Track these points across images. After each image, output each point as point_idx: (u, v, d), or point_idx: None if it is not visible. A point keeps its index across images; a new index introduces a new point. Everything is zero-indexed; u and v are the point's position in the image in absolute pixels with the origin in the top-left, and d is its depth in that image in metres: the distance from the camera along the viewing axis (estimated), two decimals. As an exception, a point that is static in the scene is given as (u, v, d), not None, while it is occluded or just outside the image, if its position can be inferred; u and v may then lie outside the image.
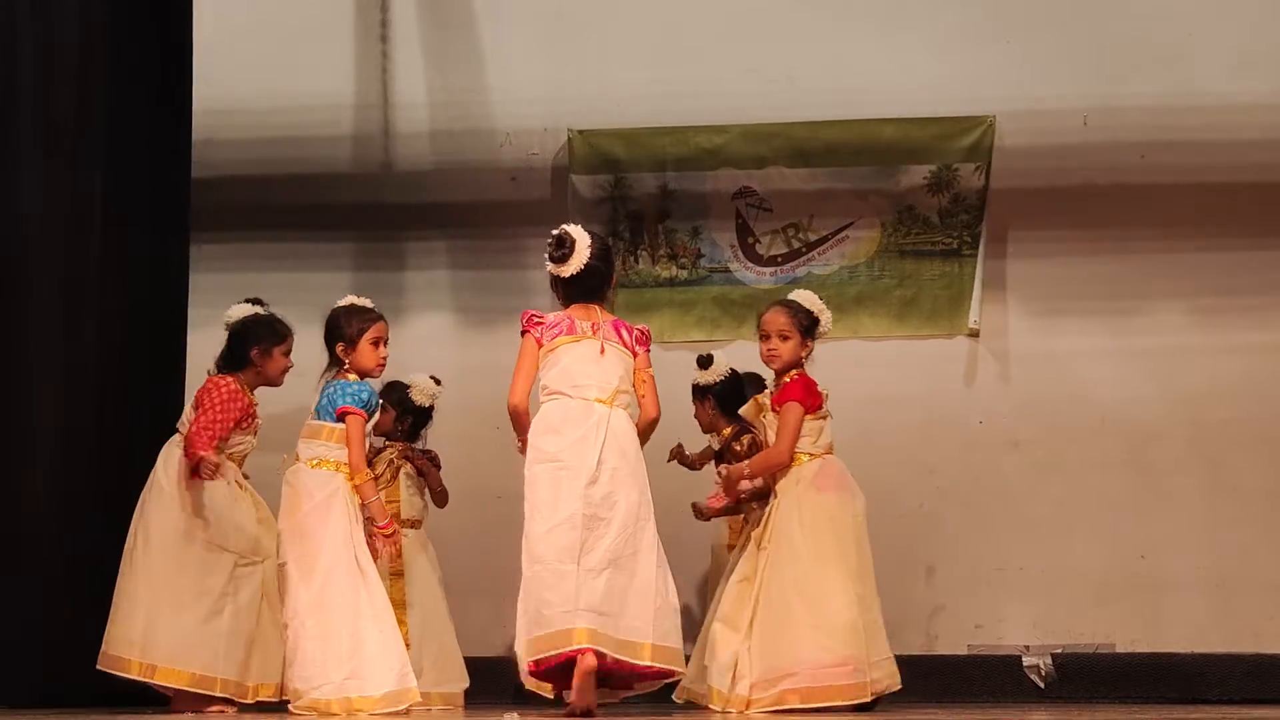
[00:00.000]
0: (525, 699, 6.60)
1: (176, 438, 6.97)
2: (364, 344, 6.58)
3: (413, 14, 9.19)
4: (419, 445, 7.90)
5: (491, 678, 7.73)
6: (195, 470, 6.72)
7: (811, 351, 6.95)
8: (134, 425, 7.29)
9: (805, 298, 7.00)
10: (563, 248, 6.28)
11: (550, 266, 6.34)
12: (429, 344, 8.93)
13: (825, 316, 6.98)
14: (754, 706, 6.45)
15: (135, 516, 6.92)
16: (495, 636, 8.15)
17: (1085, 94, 8.81)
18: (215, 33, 8.54)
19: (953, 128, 8.89)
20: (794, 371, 6.89)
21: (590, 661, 5.85)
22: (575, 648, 5.88)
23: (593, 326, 6.31)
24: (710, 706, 6.53)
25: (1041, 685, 7.98)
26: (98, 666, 6.80)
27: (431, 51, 9.20)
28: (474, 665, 7.76)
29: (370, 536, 6.48)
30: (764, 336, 6.96)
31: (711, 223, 9.06)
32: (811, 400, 6.85)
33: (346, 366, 6.61)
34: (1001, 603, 8.68)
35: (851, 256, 8.99)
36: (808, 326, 6.92)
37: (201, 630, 6.74)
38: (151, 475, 6.94)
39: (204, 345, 8.22)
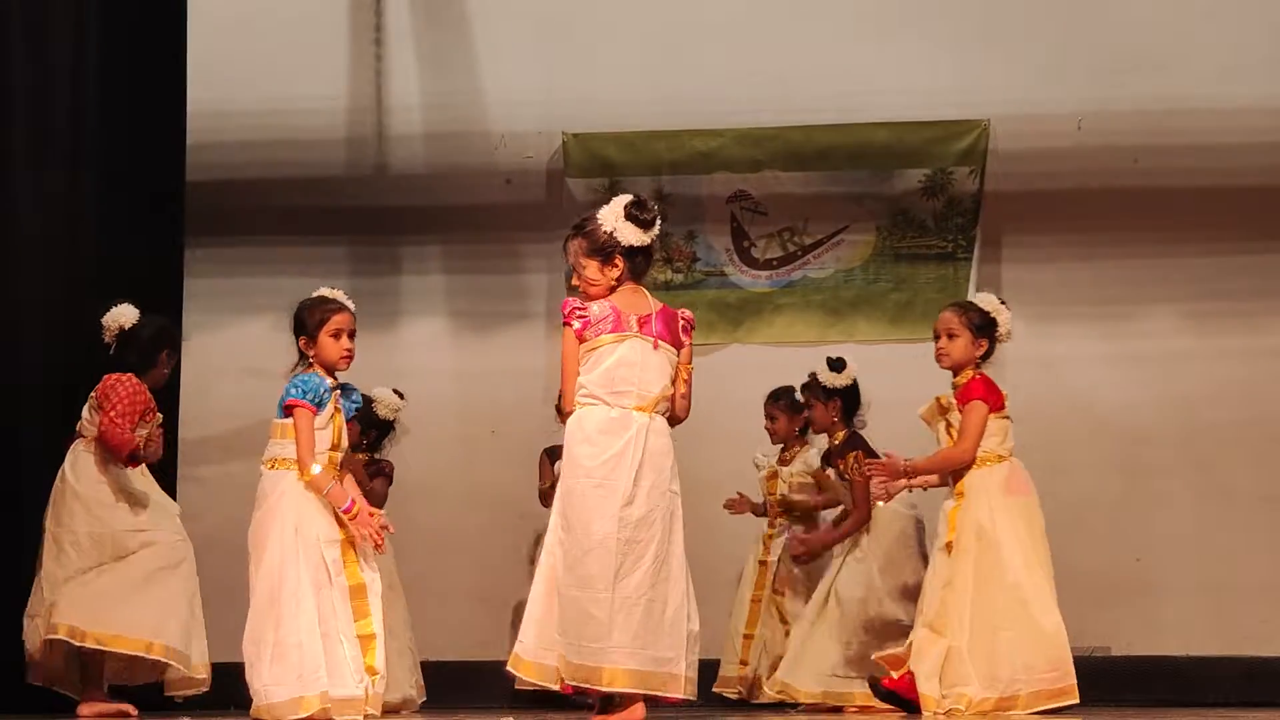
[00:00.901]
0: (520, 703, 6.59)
1: (82, 443, 7.00)
2: (323, 336, 6.27)
3: (406, 17, 9.17)
4: (379, 455, 7.89)
5: (490, 683, 7.71)
6: (130, 459, 6.88)
7: (989, 351, 6.89)
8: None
9: (981, 298, 6.96)
10: (650, 210, 5.75)
11: (631, 234, 5.72)
12: (424, 348, 8.95)
13: (1003, 316, 6.89)
14: (972, 709, 6.44)
15: (49, 522, 6.95)
16: (494, 642, 8.13)
17: (1079, 98, 8.83)
18: (209, 36, 8.52)
19: (947, 132, 8.92)
20: (970, 372, 6.85)
21: (640, 714, 5.62)
22: (608, 688, 5.61)
23: (640, 321, 5.78)
24: (925, 712, 6.52)
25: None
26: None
27: (425, 54, 9.18)
28: (471, 670, 7.75)
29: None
30: (935, 336, 6.92)
31: (707, 226, 9.08)
32: (994, 399, 6.80)
33: (311, 360, 6.33)
34: (997, 606, 8.67)
35: (847, 260, 9.01)
36: (980, 325, 6.85)
37: (132, 603, 6.85)
38: (59, 480, 6.98)
39: (199, 349, 8.25)
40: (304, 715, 5.98)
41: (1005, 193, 8.90)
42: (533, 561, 8.70)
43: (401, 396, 7.88)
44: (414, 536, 8.05)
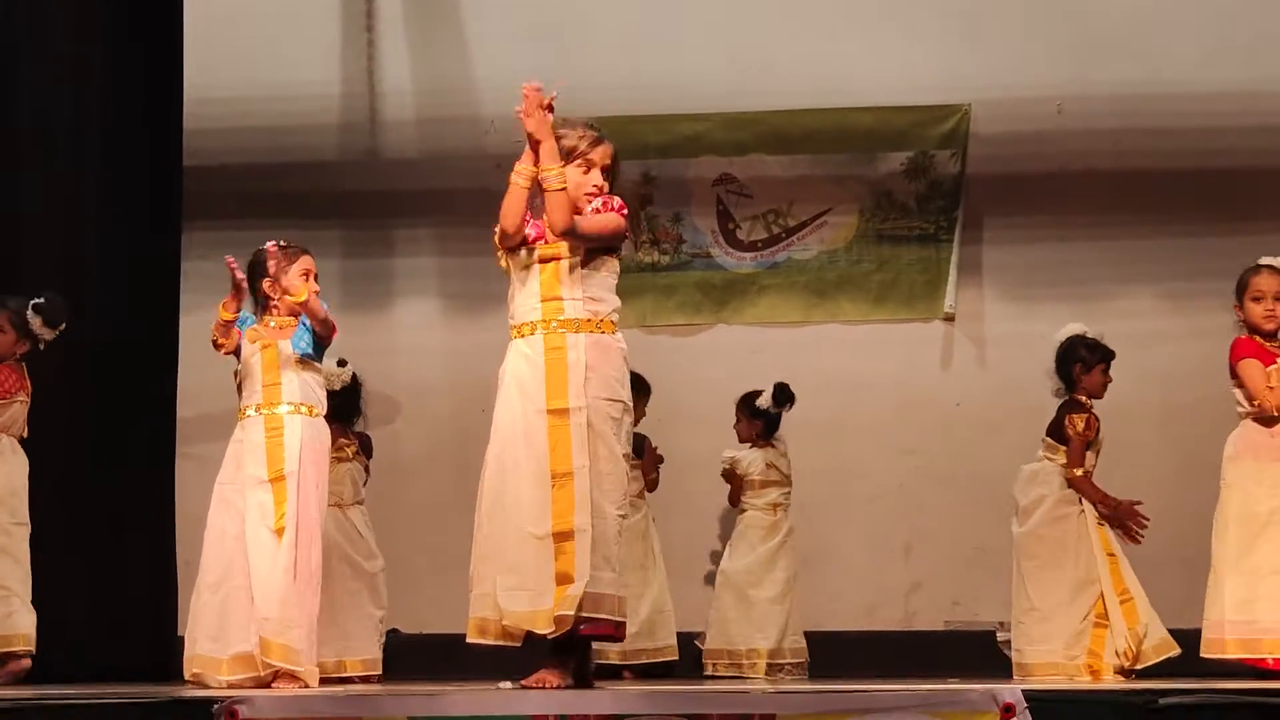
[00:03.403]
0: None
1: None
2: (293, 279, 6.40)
3: (398, 3, 9.27)
4: (355, 429, 7.87)
5: (482, 655, 7.82)
6: None
7: None
8: (131, 407, 7.45)
9: None
10: None
11: None
12: (416, 329, 9.08)
13: None
14: None
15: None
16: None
17: (1059, 82, 8.93)
18: (204, 22, 8.59)
19: (929, 115, 9.02)
20: None
21: None
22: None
23: None
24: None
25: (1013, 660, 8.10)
26: None
27: (416, 40, 9.29)
28: (463, 643, 7.85)
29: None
30: (1257, 298, 6.81)
31: (693, 209, 9.19)
32: None
33: (275, 302, 6.46)
34: (978, 580, 8.78)
35: (830, 241, 9.12)
36: None
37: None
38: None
39: (195, 329, 8.38)
40: (189, 676, 6.09)
41: (986, 175, 9.00)
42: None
43: (343, 364, 7.72)
44: (406, 513, 8.21)
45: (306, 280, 6.35)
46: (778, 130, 9.08)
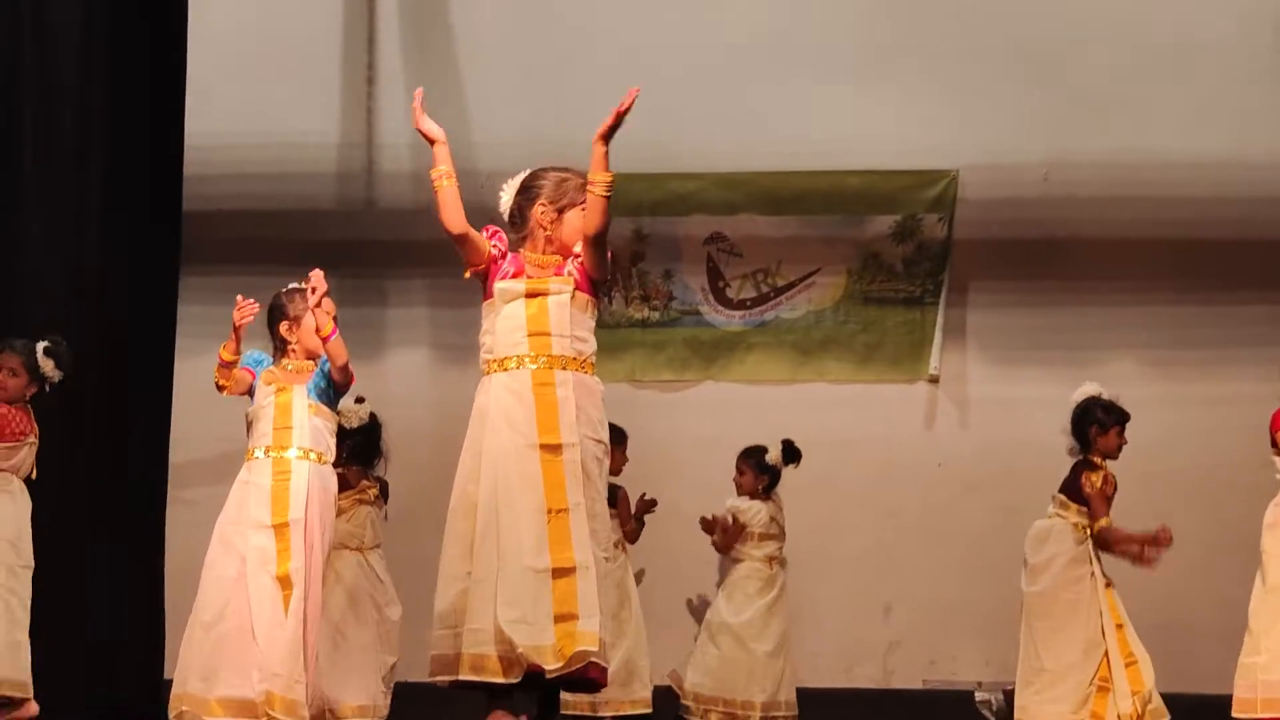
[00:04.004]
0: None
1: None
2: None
3: (398, 58, 9.38)
4: (375, 473, 7.89)
5: (465, 705, 7.89)
6: None
7: None
8: (125, 451, 7.51)
9: None
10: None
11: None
12: (408, 378, 9.15)
13: None
14: None
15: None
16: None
17: (1046, 150, 9.06)
18: (208, 73, 8.70)
19: (917, 180, 9.13)
20: None
21: None
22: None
23: None
24: None
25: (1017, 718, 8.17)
26: None
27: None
28: (446, 693, 7.91)
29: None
30: None
31: (683, 266, 9.29)
32: None
33: (293, 346, 6.50)
34: (956, 640, 8.87)
35: (818, 302, 9.22)
36: None
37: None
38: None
39: (190, 374, 8.47)
40: (174, 715, 6.04)
41: (972, 240, 9.11)
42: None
43: (361, 400, 7.76)
44: (392, 563, 8.25)
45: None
46: (769, 191, 9.18)
